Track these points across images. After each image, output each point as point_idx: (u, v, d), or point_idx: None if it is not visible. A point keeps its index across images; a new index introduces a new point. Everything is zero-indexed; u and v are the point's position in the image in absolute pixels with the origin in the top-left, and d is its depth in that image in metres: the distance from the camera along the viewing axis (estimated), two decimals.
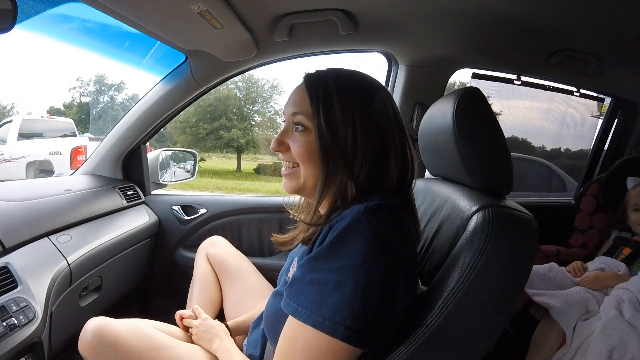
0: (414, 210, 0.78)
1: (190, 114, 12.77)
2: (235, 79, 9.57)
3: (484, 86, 1.69)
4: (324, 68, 0.77)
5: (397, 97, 1.59)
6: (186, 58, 1.45)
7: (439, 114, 0.85)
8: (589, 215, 1.69)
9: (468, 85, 1.69)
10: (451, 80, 1.64)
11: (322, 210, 0.74)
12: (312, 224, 0.73)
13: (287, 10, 1.25)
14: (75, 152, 6.01)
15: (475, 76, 1.68)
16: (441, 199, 0.87)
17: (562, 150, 4.15)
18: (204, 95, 1.62)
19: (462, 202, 0.78)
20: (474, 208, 0.72)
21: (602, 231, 1.73)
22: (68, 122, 7.73)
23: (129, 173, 1.70)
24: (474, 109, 0.79)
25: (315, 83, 0.73)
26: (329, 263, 0.61)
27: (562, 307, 1.32)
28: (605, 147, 2.01)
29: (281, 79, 13.91)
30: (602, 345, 1.18)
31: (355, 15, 1.28)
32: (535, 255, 0.71)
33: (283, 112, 0.78)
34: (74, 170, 1.70)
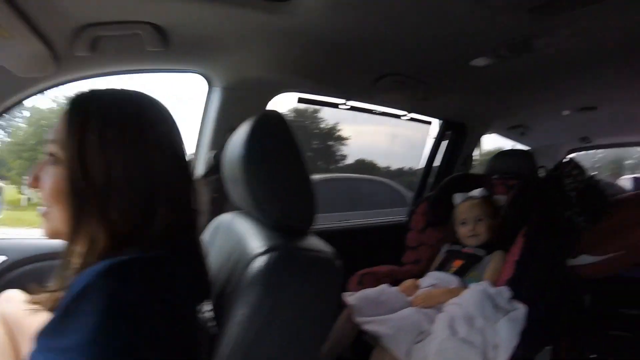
0: (198, 258, 0.66)
1: (29, 135, 10.97)
2: None
3: (336, 113, 1.68)
4: (91, 89, 0.63)
5: (210, 123, 1.46)
6: None
7: (237, 140, 0.75)
8: (419, 233, 1.77)
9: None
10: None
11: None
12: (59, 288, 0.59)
13: (89, 20, 1.07)
14: None
15: (301, 101, 1.65)
16: (237, 236, 0.77)
17: (405, 169, 4.57)
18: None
19: (251, 242, 0.69)
20: (258, 250, 0.64)
21: (433, 246, 1.80)
22: None
23: None
24: (268, 135, 0.71)
25: (75, 107, 0.60)
26: (56, 341, 0.48)
27: (393, 333, 1.28)
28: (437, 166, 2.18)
29: None
30: None
31: (166, 30, 1.13)
32: (338, 292, 0.69)
33: None
34: None
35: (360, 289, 1.56)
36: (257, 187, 0.69)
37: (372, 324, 1.33)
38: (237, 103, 1.45)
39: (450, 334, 1.23)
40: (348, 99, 1.68)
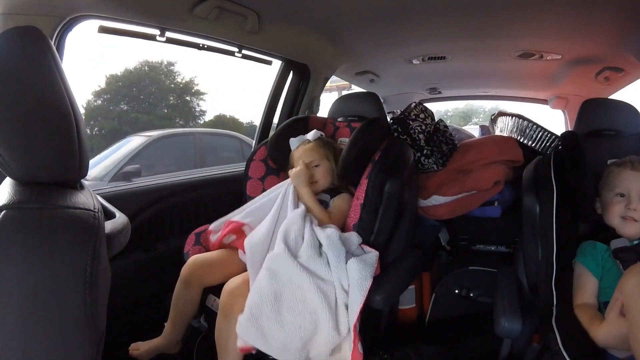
0: None
1: None
2: None
3: (195, 66, 1.40)
4: None
5: None
6: None
7: None
8: (260, 181, 1.63)
9: None
10: None
11: None
12: None
13: None
14: None
15: (103, 30, 1.33)
16: None
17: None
18: None
19: None
20: None
21: None
22: None
23: None
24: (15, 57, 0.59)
25: None
26: None
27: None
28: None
29: None
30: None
31: None
32: (93, 257, 0.57)
33: None
34: None
35: (199, 249, 1.44)
36: None
37: None
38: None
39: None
40: (163, 30, 1.41)
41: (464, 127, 2.67)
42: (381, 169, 1.33)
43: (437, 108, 4.21)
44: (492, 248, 1.87)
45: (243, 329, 1.10)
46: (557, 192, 1.14)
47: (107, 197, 1.10)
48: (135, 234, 1.07)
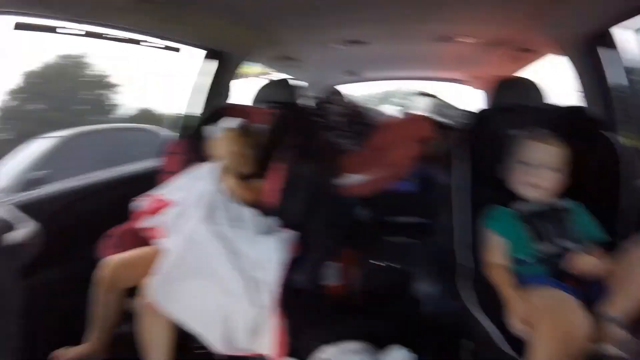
0: None
1: None
2: None
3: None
4: None
5: None
6: None
7: None
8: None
9: None
10: None
11: None
12: None
13: None
14: None
15: (19, 27, 1.21)
16: None
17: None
18: None
19: None
20: None
21: None
22: None
23: None
24: None
25: None
26: None
27: None
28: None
29: None
30: None
31: None
32: None
33: None
34: None
35: (116, 250, 1.35)
36: None
37: None
38: None
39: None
40: (81, 22, 1.30)
41: (383, 109, 2.75)
42: (298, 153, 1.34)
43: (360, 91, 4.28)
44: (412, 220, 1.96)
45: (157, 291, 1.09)
46: (469, 163, 1.23)
47: (21, 206, 1.06)
48: (52, 242, 0.99)
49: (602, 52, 1.63)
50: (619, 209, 1.18)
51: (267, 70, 3.01)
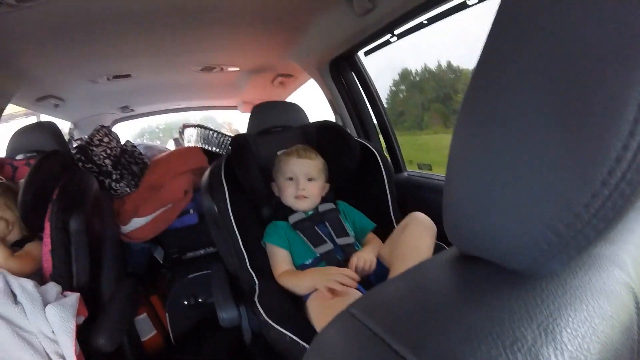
0: None
1: None
2: None
3: None
4: None
5: None
6: None
7: None
8: None
9: None
10: None
11: None
12: None
13: None
14: None
15: None
16: None
17: None
18: None
19: None
20: None
21: None
22: None
23: None
24: None
25: None
26: None
27: None
28: None
29: None
30: None
31: None
32: None
33: None
34: None
35: None
36: None
37: None
38: None
39: None
40: None
41: (164, 142, 2.69)
42: (60, 207, 1.20)
43: (149, 124, 4.08)
44: (202, 252, 1.97)
45: None
46: (228, 189, 1.28)
47: None
48: None
49: (344, 73, 1.95)
50: (380, 198, 1.41)
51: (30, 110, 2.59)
